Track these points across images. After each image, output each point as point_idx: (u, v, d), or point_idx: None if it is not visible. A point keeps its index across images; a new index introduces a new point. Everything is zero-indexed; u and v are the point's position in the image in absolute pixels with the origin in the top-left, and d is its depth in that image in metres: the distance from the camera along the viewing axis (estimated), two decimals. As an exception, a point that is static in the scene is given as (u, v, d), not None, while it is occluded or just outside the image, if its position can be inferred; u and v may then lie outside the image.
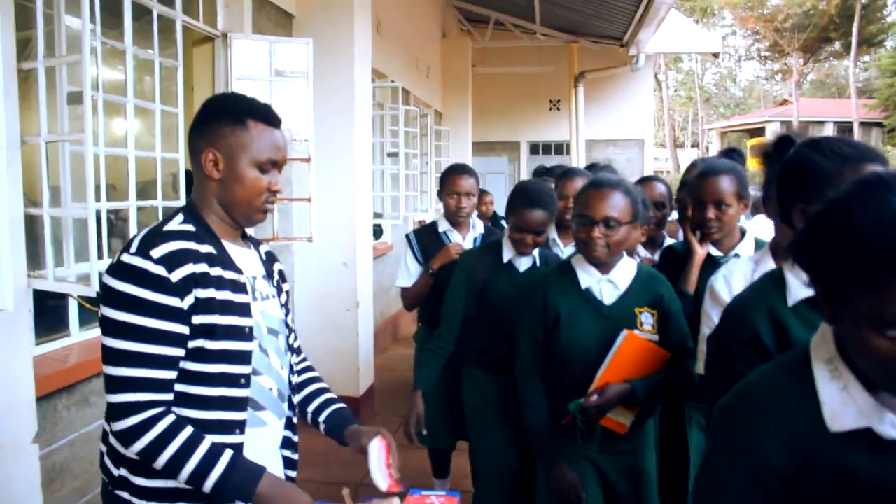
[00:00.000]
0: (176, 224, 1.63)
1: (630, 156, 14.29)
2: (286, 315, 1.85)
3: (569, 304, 2.39)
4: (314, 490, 1.72)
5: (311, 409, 1.97)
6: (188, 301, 1.55)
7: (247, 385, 1.65)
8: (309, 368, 2.06)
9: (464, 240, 3.66)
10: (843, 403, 1.08)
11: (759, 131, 36.47)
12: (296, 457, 1.89)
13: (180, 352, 1.56)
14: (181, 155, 3.75)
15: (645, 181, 3.48)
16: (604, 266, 2.38)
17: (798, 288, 1.50)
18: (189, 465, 1.52)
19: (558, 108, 14.68)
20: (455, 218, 3.66)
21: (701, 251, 2.69)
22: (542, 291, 2.44)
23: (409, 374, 6.49)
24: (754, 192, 3.02)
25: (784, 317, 1.49)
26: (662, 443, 2.76)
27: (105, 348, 1.54)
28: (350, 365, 5.38)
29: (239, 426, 1.64)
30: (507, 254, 2.96)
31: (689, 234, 2.74)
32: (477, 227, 3.75)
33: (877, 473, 1.05)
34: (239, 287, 1.66)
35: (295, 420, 1.89)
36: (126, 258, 1.53)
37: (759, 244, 2.64)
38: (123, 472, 1.60)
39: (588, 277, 2.39)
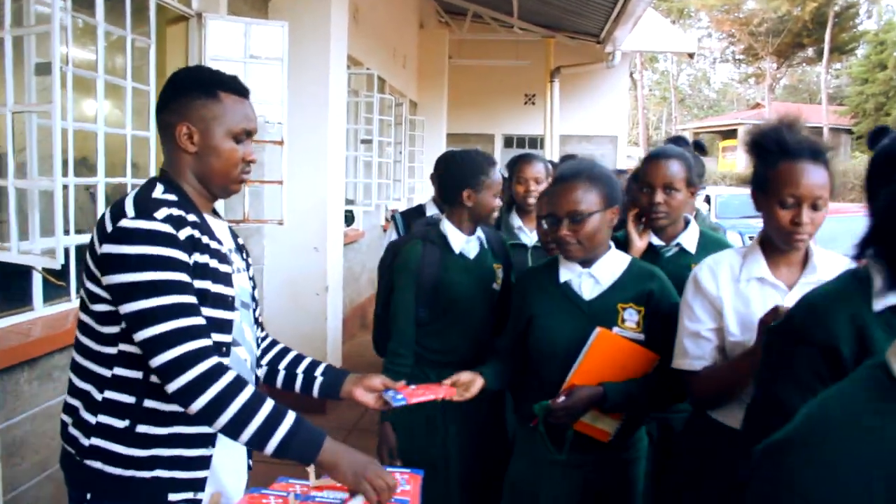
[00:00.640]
0: (159, 193, 1.62)
1: (603, 152, 14.38)
2: (253, 289, 1.86)
3: (545, 300, 2.26)
4: (279, 470, 1.74)
5: (283, 364, 1.95)
6: (193, 261, 1.57)
7: (227, 354, 1.66)
8: (272, 340, 2.04)
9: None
10: None
11: (731, 133, 36.92)
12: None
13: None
14: (152, 133, 3.72)
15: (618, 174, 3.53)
16: (585, 260, 2.23)
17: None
18: (252, 426, 1.49)
19: (533, 103, 14.73)
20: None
21: (640, 243, 2.59)
22: (521, 287, 2.37)
23: (377, 360, 6.49)
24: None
25: (868, 323, 1.29)
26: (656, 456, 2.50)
27: (135, 315, 1.50)
28: (318, 350, 5.37)
29: None
30: (457, 243, 2.69)
31: (631, 225, 2.62)
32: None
33: None
34: (222, 257, 1.68)
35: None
36: (129, 223, 1.52)
37: (705, 235, 2.61)
38: (96, 440, 1.59)
39: (568, 272, 2.25)
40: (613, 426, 2.18)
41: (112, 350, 1.59)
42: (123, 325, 1.55)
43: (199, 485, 1.65)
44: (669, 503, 2.16)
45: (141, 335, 1.50)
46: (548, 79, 12.38)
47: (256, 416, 1.50)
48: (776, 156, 1.87)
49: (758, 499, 0.91)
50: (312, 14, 5.19)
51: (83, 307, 1.64)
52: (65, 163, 2.92)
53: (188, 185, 1.69)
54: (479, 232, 2.75)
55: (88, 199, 4.24)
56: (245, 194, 4.69)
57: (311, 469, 1.71)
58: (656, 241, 2.59)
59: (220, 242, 1.70)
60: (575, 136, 14.66)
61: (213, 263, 1.63)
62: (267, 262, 5.39)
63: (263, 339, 1.99)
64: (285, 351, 1.98)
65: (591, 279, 2.22)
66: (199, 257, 1.59)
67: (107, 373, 1.59)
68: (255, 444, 1.52)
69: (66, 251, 2.90)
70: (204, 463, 1.65)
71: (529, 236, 3.34)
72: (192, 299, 1.53)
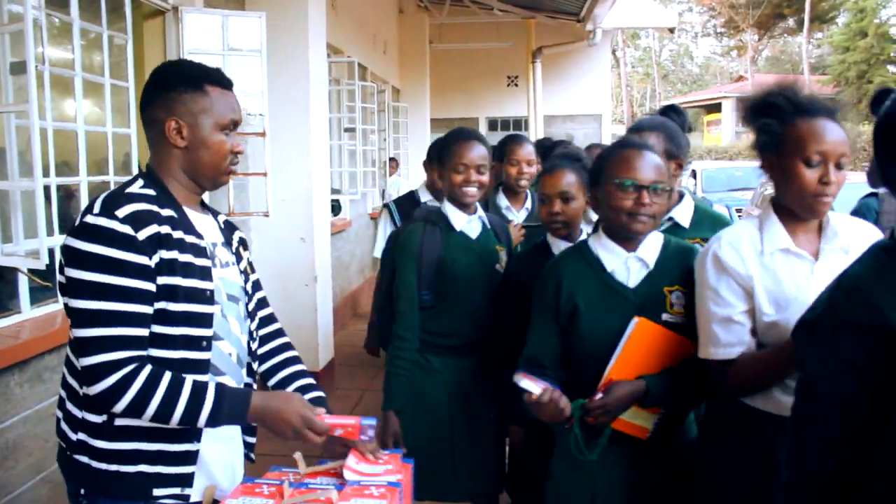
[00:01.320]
0: (137, 188, 1.63)
1: (588, 131, 14.39)
2: (245, 282, 1.86)
3: (588, 290, 2.04)
4: (269, 463, 1.75)
5: (274, 380, 1.96)
6: (154, 260, 1.56)
7: (208, 348, 1.66)
8: (281, 343, 2.02)
9: None
10: None
11: (715, 107, 36.98)
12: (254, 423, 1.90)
13: (150, 310, 1.57)
14: (133, 130, 3.71)
15: (593, 147, 3.54)
16: (631, 241, 2.04)
17: None
18: (178, 410, 1.54)
19: (516, 84, 14.69)
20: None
21: None
22: (554, 281, 2.09)
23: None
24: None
25: None
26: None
27: (75, 311, 1.52)
28: (309, 340, 5.39)
29: None
30: (458, 222, 2.67)
31: None
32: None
33: None
34: (199, 251, 1.67)
35: (255, 387, 1.89)
36: (90, 219, 1.52)
37: (700, 210, 2.48)
38: (82, 436, 1.60)
39: (613, 258, 2.05)
40: (651, 421, 2.02)
41: None
42: None
43: (186, 480, 1.65)
44: (702, 495, 1.99)
45: (73, 333, 1.55)
46: (530, 60, 12.36)
47: (179, 401, 1.54)
48: (791, 114, 1.74)
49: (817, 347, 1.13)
50: (289, 3, 5.15)
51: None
52: (45, 163, 2.90)
53: (175, 180, 1.69)
54: (481, 212, 2.74)
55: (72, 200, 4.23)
56: (230, 187, 4.68)
57: (298, 457, 1.72)
58: None
59: (199, 237, 1.69)
60: (559, 117, 14.66)
61: (186, 258, 1.62)
62: (254, 255, 5.35)
63: (269, 336, 1.98)
64: (284, 364, 1.97)
65: (638, 263, 2.04)
66: (165, 254, 1.58)
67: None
68: (187, 423, 1.56)
69: (51, 252, 2.89)
70: (190, 458, 1.66)
71: (517, 216, 3.35)
72: (130, 307, 1.53)
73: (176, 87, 1.65)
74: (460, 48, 13.46)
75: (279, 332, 2.01)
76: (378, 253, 3.73)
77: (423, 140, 11.61)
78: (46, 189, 2.90)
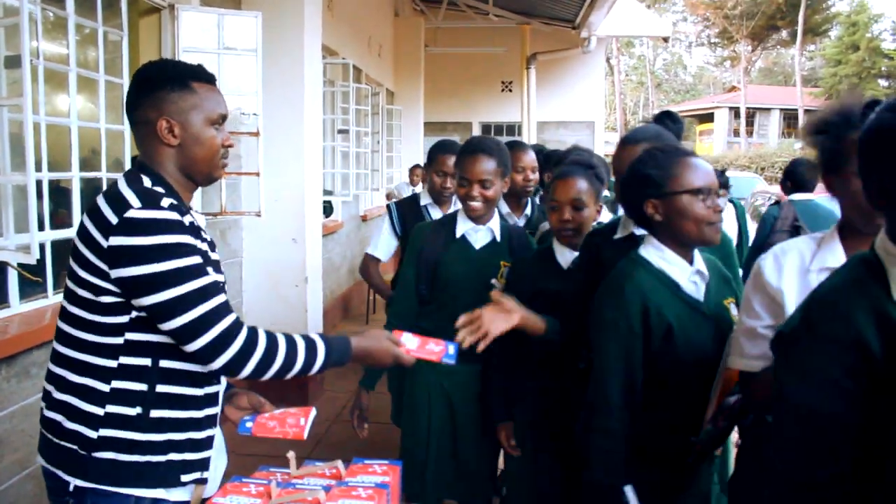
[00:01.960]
0: (149, 185, 1.65)
1: (581, 138, 14.41)
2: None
3: (673, 309, 1.90)
4: (260, 459, 1.77)
5: None
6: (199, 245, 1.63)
7: None
8: None
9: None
10: None
11: (708, 116, 37.17)
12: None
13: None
14: (126, 126, 3.69)
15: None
16: (689, 254, 1.95)
17: None
18: (298, 364, 1.67)
19: (510, 90, 14.73)
20: (439, 196, 3.64)
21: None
22: (639, 302, 1.89)
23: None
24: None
25: (890, 312, 1.18)
26: None
27: (165, 304, 1.54)
28: (299, 341, 5.37)
29: (216, 375, 1.72)
30: (461, 227, 2.71)
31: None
32: (458, 205, 3.72)
33: None
34: (212, 244, 1.74)
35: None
36: (138, 213, 1.54)
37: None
38: (107, 431, 1.60)
39: (680, 273, 1.94)
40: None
41: (118, 340, 1.60)
42: (134, 314, 1.58)
43: (206, 464, 1.72)
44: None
45: (171, 325, 1.55)
46: (524, 66, 12.41)
47: (298, 358, 1.67)
48: (843, 128, 1.68)
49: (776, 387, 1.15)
50: (286, 4, 5.15)
51: (75, 301, 1.63)
52: (38, 157, 2.89)
53: (170, 178, 1.71)
54: (495, 225, 2.73)
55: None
56: (222, 186, 4.67)
57: (291, 456, 1.72)
58: (640, 231, 2.29)
59: (205, 232, 1.74)
60: (552, 123, 14.69)
61: (208, 251, 1.69)
62: (245, 255, 5.37)
63: None
64: None
65: (697, 276, 1.97)
66: (199, 244, 1.63)
67: (111, 363, 1.60)
68: (306, 372, 1.71)
69: (42, 247, 2.88)
70: (210, 443, 1.73)
71: (518, 224, 3.37)
72: (211, 279, 1.60)
73: (163, 86, 1.67)
74: (455, 52, 13.48)
75: None
76: (372, 250, 3.74)
77: (416, 143, 11.63)
78: (38, 184, 2.89)
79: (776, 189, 8.88)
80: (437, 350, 1.95)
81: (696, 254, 1.97)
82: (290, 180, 5.26)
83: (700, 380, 1.87)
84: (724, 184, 5.02)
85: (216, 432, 1.76)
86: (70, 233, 3.30)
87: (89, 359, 1.61)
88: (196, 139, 1.68)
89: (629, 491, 1.83)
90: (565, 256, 2.51)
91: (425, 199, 3.74)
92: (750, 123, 36.32)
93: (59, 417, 1.65)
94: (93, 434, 1.60)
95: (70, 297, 1.65)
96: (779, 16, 37.40)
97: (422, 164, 7.43)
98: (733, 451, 2.37)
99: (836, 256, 1.71)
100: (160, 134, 1.66)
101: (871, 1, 35.83)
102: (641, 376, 1.89)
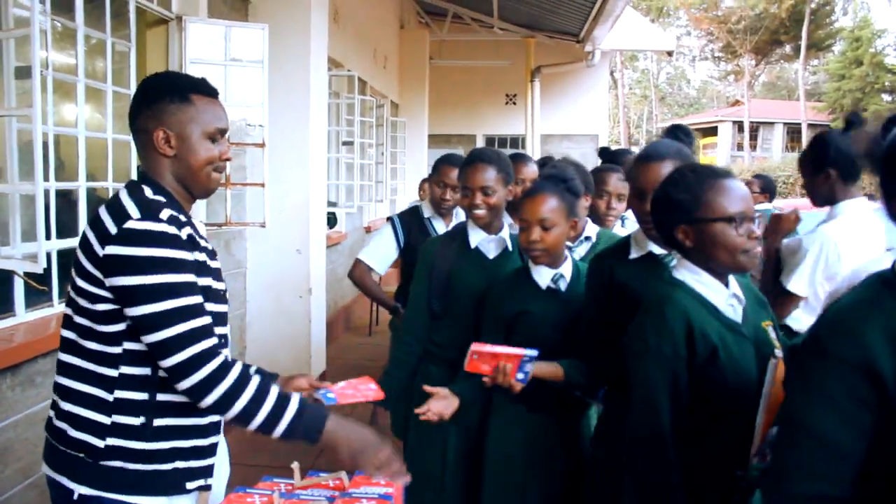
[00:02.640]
0: (151, 194, 1.66)
1: (584, 151, 14.44)
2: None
3: (715, 331, 1.79)
4: (264, 469, 1.78)
5: None
6: (194, 258, 1.63)
7: (225, 345, 1.74)
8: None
9: (447, 228, 3.61)
10: None
11: (711, 130, 37.17)
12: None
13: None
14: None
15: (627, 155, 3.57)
16: (723, 278, 1.86)
17: None
18: (261, 415, 1.59)
19: (514, 103, 14.75)
20: (439, 207, 3.67)
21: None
22: (682, 323, 1.77)
23: (362, 363, 6.51)
24: None
25: None
26: None
27: (147, 317, 1.55)
28: (302, 351, 5.38)
29: None
30: (474, 238, 2.71)
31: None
32: (460, 217, 3.71)
33: None
34: (211, 254, 1.75)
35: None
36: (136, 224, 1.56)
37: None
38: (114, 441, 1.61)
39: (718, 296, 1.84)
40: None
41: (117, 349, 1.61)
42: (128, 323, 1.59)
43: (210, 471, 1.73)
44: None
45: (150, 338, 1.56)
46: (528, 79, 12.43)
47: (264, 406, 1.59)
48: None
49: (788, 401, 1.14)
50: (292, 16, 5.19)
51: (77, 310, 1.65)
52: (45, 167, 2.91)
53: (169, 188, 1.73)
54: (506, 234, 2.75)
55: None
56: (227, 197, 4.69)
57: (295, 467, 1.73)
58: (657, 249, 2.22)
59: (207, 241, 1.76)
60: (556, 136, 14.70)
61: (207, 260, 1.70)
62: (250, 265, 5.38)
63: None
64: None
65: (734, 299, 1.86)
66: (198, 255, 1.64)
67: (113, 372, 1.61)
68: (265, 430, 1.60)
69: (49, 256, 2.89)
70: (214, 450, 1.75)
71: None
72: (198, 299, 1.59)
73: (163, 97, 1.69)
74: (460, 65, 13.53)
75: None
76: (365, 256, 3.76)
77: (420, 155, 11.65)
78: (46, 193, 2.90)
79: (780, 203, 8.85)
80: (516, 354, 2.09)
81: (731, 277, 1.87)
82: (295, 191, 5.28)
83: (745, 406, 1.74)
84: (766, 188, 4.81)
85: (220, 439, 1.78)
86: (76, 242, 3.32)
87: (92, 367, 1.63)
88: (192, 151, 1.70)
89: None
90: (542, 276, 2.44)
91: (427, 212, 3.75)
92: (753, 137, 36.30)
93: (64, 426, 1.66)
94: (100, 443, 1.62)
95: (71, 305, 1.67)
96: (782, 31, 37.43)
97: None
98: None
99: None
100: (157, 144, 1.68)
101: (874, 16, 35.98)
102: (685, 401, 1.77)
